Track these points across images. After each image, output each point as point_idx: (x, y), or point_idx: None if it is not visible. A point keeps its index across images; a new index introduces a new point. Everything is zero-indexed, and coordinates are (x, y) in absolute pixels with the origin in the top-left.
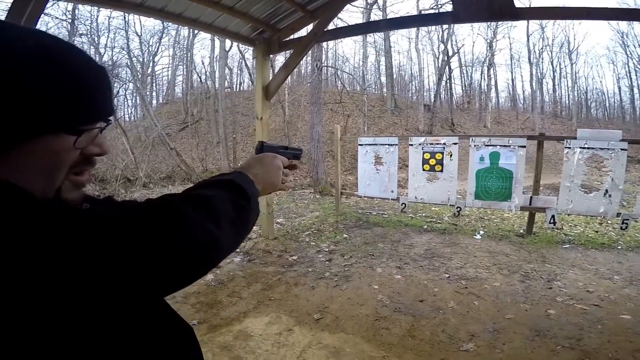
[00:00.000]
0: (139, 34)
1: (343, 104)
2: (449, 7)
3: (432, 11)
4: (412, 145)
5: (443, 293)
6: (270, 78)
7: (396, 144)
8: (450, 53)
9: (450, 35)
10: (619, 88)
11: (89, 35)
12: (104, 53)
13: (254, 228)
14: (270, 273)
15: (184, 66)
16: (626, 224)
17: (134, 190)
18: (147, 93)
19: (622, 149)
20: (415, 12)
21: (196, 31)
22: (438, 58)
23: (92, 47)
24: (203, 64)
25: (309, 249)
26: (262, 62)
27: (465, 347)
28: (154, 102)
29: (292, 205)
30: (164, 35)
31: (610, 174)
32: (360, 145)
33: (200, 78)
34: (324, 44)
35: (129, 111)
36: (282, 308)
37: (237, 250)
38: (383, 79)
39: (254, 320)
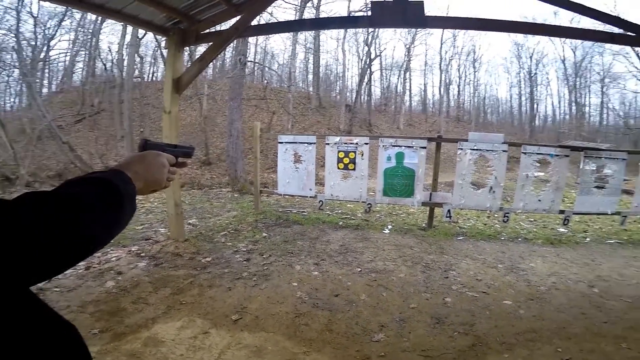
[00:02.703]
0: (35, 15)
1: (269, 101)
2: None
3: (361, 13)
4: (328, 144)
5: (355, 287)
6: (184, 70)
7: (314, 143)
8: (373, 56)
9: (374, 39)
10: (511, 95)
11: None
12: None
13: (162, 230)
14: (180, 276)
15: (87, 52)
16: (507, 217)
17: (14, 191)
18: (37, 80)
19: (503, 151)
20: (346, 13)
21: None
22: (361, 60)
23: None
24: (110, 50)
25: (225, 249)
26: (175, 53)
27: (377, 337)
28: (45, 90)
29: (206, 204)
30: (66, 17)
31: (494, 173)
32: (280, 143)
33: (105, 65)
34: (253, 38)
35: (11, 100)
36: (196, 311)
37: (142, 254)
38: (310, 77)
39: (164, 325)
